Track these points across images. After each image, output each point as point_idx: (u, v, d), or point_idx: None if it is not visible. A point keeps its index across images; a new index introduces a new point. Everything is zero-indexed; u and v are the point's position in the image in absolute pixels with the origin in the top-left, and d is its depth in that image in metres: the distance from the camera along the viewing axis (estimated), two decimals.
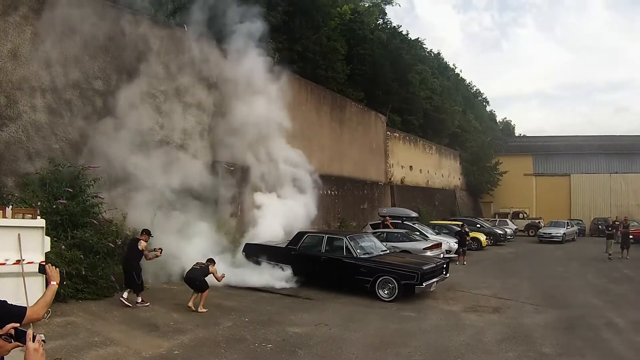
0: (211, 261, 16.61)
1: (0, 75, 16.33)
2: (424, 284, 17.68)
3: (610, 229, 34.90)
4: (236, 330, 13.62)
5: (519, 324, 15.48)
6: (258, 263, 20.49)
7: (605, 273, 27.48)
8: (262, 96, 24.47)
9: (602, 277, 25.78)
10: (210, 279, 16.33)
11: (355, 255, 18.93)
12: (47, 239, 12.74)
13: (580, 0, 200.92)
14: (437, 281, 18.97)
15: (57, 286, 5.70)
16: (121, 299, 15.58)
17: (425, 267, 18.34)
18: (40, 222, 12.64)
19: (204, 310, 15.33)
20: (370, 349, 12.38)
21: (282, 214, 23.45)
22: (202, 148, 22.02)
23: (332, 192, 30.31)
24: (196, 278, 15.93)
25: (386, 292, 17.86)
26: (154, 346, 11.89)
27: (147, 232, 16.47)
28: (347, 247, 19.21)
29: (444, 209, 55.90)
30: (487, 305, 17.89)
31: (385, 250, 20.97)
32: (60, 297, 14.13)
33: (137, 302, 15.72)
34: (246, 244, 21.72)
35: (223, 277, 17.12)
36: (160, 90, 20.74)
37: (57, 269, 5.87)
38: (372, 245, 20.64)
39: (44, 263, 6.70)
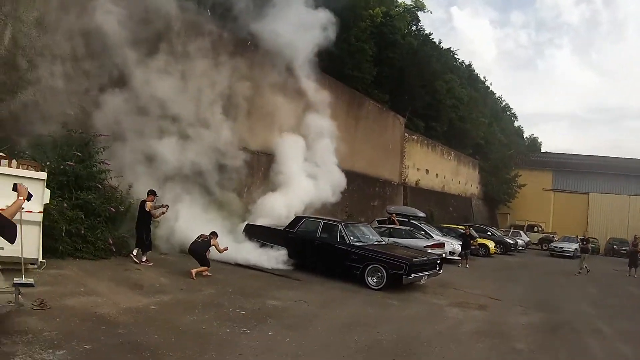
0: (214, 234, 17.02)
1: (24, 40, 16.68)
2: (412, 275, 17.68)
3: (584, 242, 34.49)
4: (216, 297, 13.86)
5: (501, 321, 15.45)
6: (257, 243, 20.58)
7: (608, 287, 27.50)
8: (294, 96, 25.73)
9: (603, 291, 25.67)
10: (213, 251, 16.90)
11: (347, 241, 18.94)
12: (47, 191, 12.97)
13: (617, 26, 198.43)
14: (428, 275, 18.98)
15: (23, 201, 6.88)
16: (131, 255, 16.64)
17: (415, 259, 18.33)
18: (42, 174, 12.85)
19: (194, 277, 15.57)
20: (339, 327, 12.47)
21: (299, 193, 24.03)
22: (218, 129, 21.99)
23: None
24: (198, 251, 16.41)
25: (375, 280, 17.87)
26: (134, 301, 12.22)
27: (152, 193, 17.23)
28: (340, 233, 19.23)
29: (458, 215, 55.75)
30: (474, 303, 17.86)
31: (380, 241, 20.91)
32: (58, 254, 14.68)
33: (142, 261, 16.60)
34: (247, 224, 21.88)
35: (226, 249, 17.58)
36: (177, 70, 20.76)
37: (27, 188, 7.02)
38: (366, 234, 20.65)
39: (16, 183, 7.21)
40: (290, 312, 13.34)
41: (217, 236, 17.12)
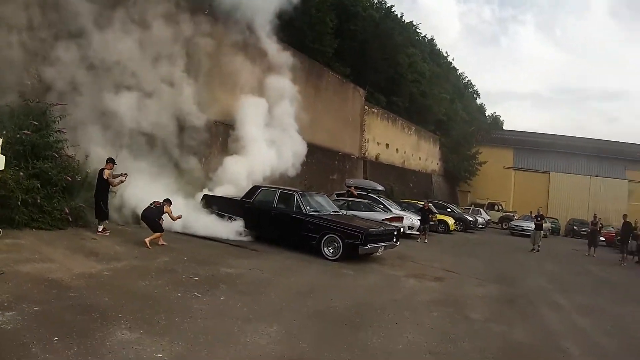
0: (167, 201, 16.85)
1: None
2: (368, 246, 17.63)
3: (538, 219, 34.17)
4: (171, 264, 13.76)
5: (457, 292, 15.46)
6: (214, 214, 20.42)
7: (567, 265, 27.82)
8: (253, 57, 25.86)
9: (562, 268, 25.95)
10: (166, 219, 16.76)
11: (304, 211, 18.86)
12: (2, 157, 12.86)
13: (582, 2, 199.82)
14: (385, 246, 18.93)
15: None
16: (97, 231, 16.46)
17: (371, 229, 18.26)
18: None
19: (148, 246, 15.43)
20: (292, 293, 12.44)
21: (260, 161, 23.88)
22: (176, 99, 21.72)
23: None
24: (150, 217, 16.29)
25: (331, 250, 17.81)
26: (87, 267, 12.17)
27: (111, 161, 16.99)
28: (297, 202, 19.13)
29: (419, 191, 55.50)
30: (431, 275, 17.86)
31: (337, 212, 20.88)
32: (14, 224, 14.45)
33: (98, 231, 16.43)
34: (204, 194, 21.69)
35: (179, 217, 17.46)
36: (136, 39, 20.45)
37: None
38: (323, 205, 20.55)
39: None
40: (244, 279, 13.26)
41: (171, 203, 16.92)
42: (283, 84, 26.23)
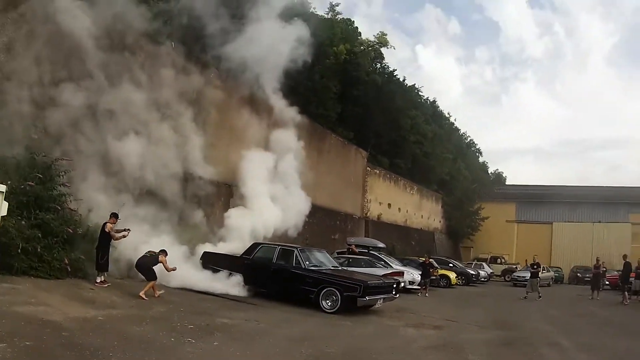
0: (163, 252, 16.89)
1: None
2: (366, 298, 17.67)
3: (534, 267, 33.64)
4: (167, 314, 13.91)
5: (456, 338, 15.41)
6: (214, 271, 20.42)
7: (570, 309, 27.81)
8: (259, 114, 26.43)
9: (565, 312, 25.90)
10: (161, 269, 16.78)
11: (303, 266, 18.94)
12: (5, 204, 13.04)
13: (581, 55, 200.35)
14: (383, 299, 19.04)
15: None
16: (96, 283, 16.54)
17: (369, 282, 18.32)
18: (1, 186, 12.89)
19: (144, 297, 15.51)
20: (288, 341, 12.46)
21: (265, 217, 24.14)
22: (177, 158, 22.08)
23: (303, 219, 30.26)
24: (144, 265, 16.40)
25: (329, 303, 17.77)
26: (82, 312, 12.41)
27: (114, 215, 17.31)
28: (296, 258, 19.23)
29: (421, 249, 54.35)
30: (429, 324, 17.80)
31: (336, 267, 20.95)
32: (13, 271, 14.62)
33: (96, 282, 16.53)
34: (204, 252, 21.67)
35: (174, 269, 17.43)
36: (140, 99, 20.83)
37: None
38: (322, 259, 20.67)
39: None
40: (240, 328, 13.35)
41: (167, 254, 16.97)
42: (287, 139, 26.80)
